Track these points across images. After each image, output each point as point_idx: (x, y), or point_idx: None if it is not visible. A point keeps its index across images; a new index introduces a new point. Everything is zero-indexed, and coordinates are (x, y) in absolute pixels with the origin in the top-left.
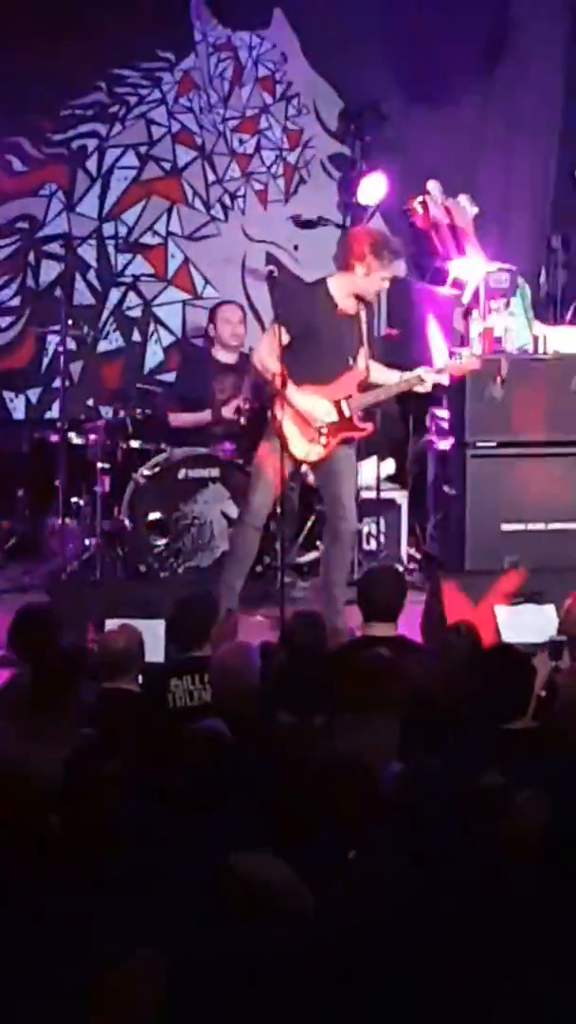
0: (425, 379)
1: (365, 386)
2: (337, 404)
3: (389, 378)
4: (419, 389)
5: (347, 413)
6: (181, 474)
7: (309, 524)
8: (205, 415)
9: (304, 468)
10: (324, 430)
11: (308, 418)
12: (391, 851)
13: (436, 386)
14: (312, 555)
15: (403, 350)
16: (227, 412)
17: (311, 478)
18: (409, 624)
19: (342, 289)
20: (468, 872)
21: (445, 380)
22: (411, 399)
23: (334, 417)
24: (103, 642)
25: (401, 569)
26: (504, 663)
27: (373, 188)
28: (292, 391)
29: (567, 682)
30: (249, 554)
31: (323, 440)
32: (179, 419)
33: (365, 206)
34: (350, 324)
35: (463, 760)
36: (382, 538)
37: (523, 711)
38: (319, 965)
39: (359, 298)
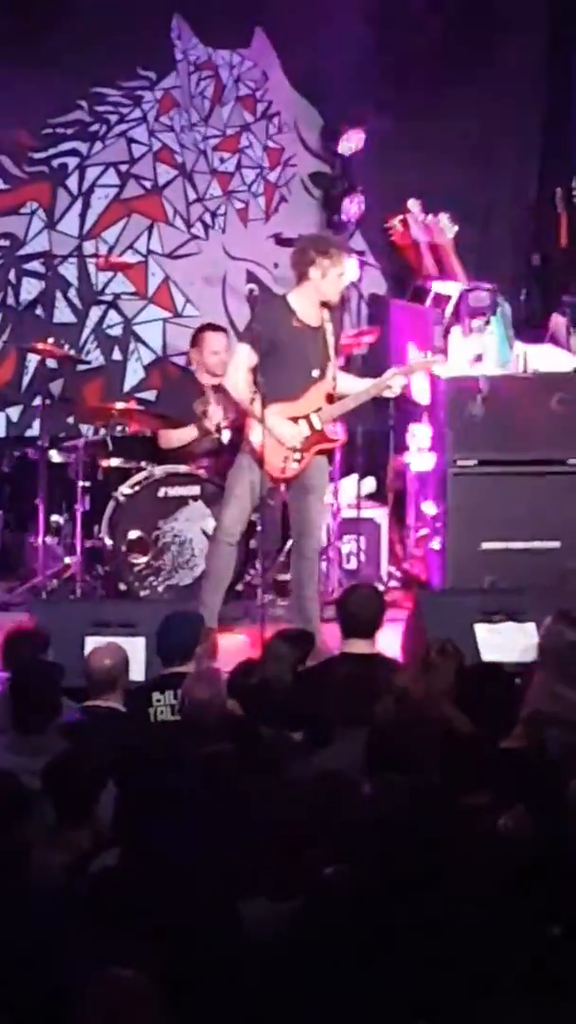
0: (392, 383)
1: (334, 397)
2: (307, 418)
3: (358, 387)
4: (387, 393)
5: (318, 426)
6: (161, 492)
7: (290, 541)
8: (191, 431)
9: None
10: (298, 445)
11: (282, 442)
12: (366, 868)
13: (416, 404)
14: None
15: (383, 366)
16: (209, 425)
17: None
18: (390, 642)
19: (304, 300)
20: (445, 890)
21: (402, 383)
22: (391, 416)
23: (306, 434)
24: (89, 660)
25: (381, 587)
26: (489, 683)
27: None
28: (266, 415)
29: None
30: (225, 571)
31: (297, 456)
32: (169, 440)
33: (346, 225)
34: (314, 337)
35: (448, 779)
36: (362, 556)
37: (508, 731)
38: (294, 979)
39: (324, 306)
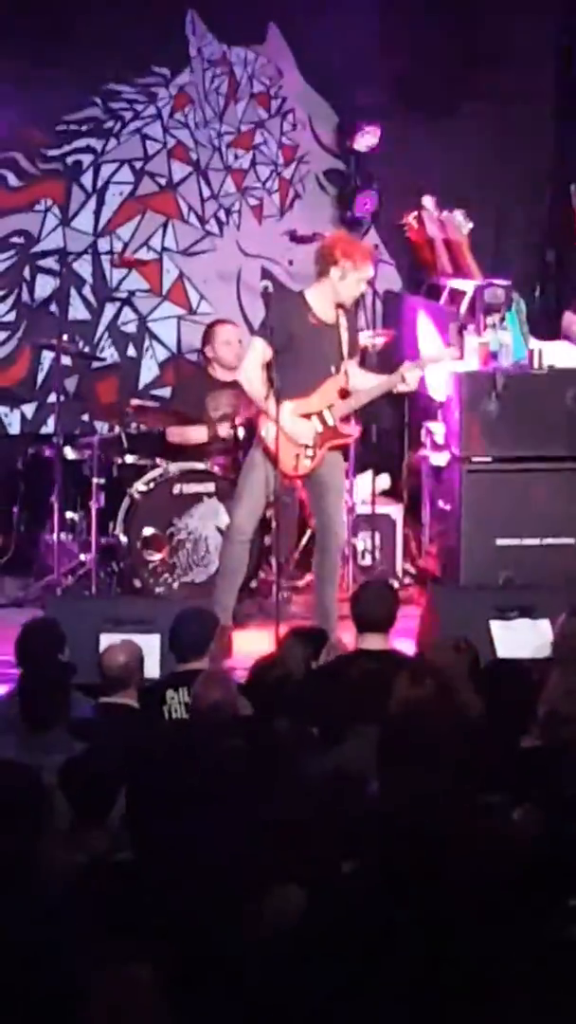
0: (408, 377)
1: (347, 393)
2: (320, 415)
3: (371, 383)
4: (402, 388)
5: (331, 422)
6: (176, 489)
7: (306, 538)
8: (201, 433)
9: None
10: (311, 442)
11: (294, 439)
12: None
13: (431, 400)
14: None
15: (398, 363)
16: (222, 431)
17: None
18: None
19: (321, 298)
20: (449, 888)
21: (417, 376)
22: (406, 412)
23: (319, 430)
24: (103, 657)
25: (396, 584)
26: (506, 680)
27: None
28: (279, 411)
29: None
30: (238, 569)
31: (310, 452)
32: (176, 435)
33: (360, 221)
34: (330, 333)
35: (464, 778)
36: (377, 553)
37: (527, 728)
38: (298, 976)
39: (340, 306)
